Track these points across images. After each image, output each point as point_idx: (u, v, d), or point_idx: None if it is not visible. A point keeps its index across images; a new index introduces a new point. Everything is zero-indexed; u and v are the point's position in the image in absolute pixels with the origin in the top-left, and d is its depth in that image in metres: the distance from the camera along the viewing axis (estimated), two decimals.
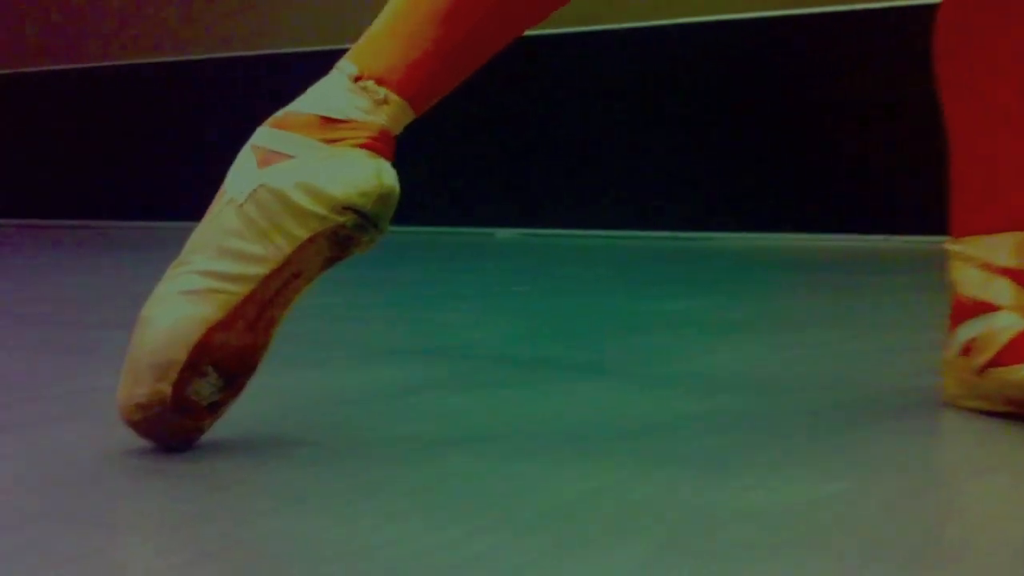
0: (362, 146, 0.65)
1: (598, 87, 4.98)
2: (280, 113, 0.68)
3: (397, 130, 0.68)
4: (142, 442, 0.66)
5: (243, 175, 0.67)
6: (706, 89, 4.33)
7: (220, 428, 0.71)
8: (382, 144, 0.66)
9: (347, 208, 0.63)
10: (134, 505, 0.54)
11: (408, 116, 0.69)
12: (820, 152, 3.81)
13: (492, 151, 5.44)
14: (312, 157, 0.64)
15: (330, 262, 0.65)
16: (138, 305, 1.52)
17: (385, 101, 0.67)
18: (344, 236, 0.64)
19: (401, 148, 5.70)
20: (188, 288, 0.64)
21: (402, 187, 6.05)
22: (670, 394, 0.83)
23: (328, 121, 0.66)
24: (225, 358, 0.64)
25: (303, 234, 0.63)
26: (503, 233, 5.59)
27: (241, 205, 0.65)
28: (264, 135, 0.67)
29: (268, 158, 0.66)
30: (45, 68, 6.23)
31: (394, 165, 0.67)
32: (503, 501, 0.53)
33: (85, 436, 0.69)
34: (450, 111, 5.49)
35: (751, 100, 4.09)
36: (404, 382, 0.88)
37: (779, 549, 0.47)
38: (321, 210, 0.63)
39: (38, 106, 6.33)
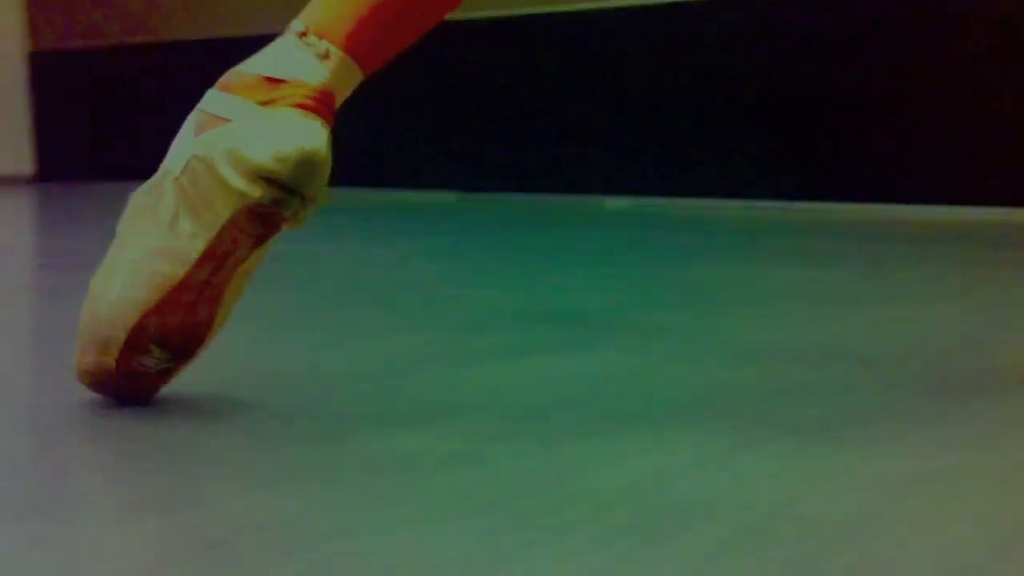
0: (297, 105, 0.62)
1: (702, 58, 4.91)
2: (227, 74, 0.66)
3: (343, 90, 0.65)
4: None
5: (182, 144, 0.65)
6: (811, 60, 4.24)
7: (317, 384, 0.74)
8: (318, 103, 0.63)
9: (264, 178, 0.60)
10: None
11: (354, 74, 0.66)
12: (937, 122, 3.71)
13: (602, 118, 5.42)
14: (245, 120, 0.62)
15: (261, 239, 0.63)
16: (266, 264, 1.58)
17: (327, 55, 0.64)
18: (264, 213, 0.61)
19: (512, 115, 5.72)
20: (128, 267, 0.63)
21: (514, 153, 6.08)
22: (781, 363, 0.84)
23: (270, 81, 0.64)
24: (167, 336, 0.64)
25: (225, 214, 0.61)
26: (613, 202, 5.57)
27: (176, 178, 0.63)
28: (208, 99, 0.66)
29: (206, 123, 0.64)
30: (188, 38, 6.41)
31: (342, 131, 0.68)
32: (604, 467, 0.55)
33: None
34: (560, 76, 5.48)
35: (865, 66, 3.99)
36: (515, 346, 0.90)
37: (894, 520, 0.47)
38: (241, 183, 0.60)
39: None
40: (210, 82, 6.91)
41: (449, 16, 5.78)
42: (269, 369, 0.79)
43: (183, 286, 0.62)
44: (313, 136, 0.60)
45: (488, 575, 0.38)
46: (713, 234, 2.62)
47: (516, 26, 5.73)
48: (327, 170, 0.60)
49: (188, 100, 5.24)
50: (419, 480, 0.50)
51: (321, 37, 0.64)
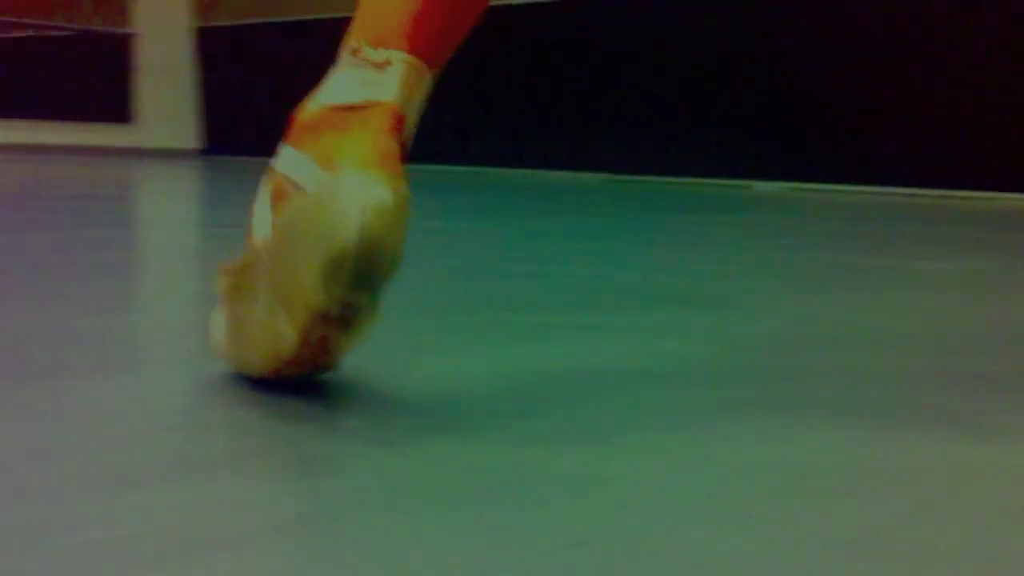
0: (369, 158, 0.54)
1: (870, 38, 4.77)
2: (301, 109, 0.60)
3: (416, 94, 0.60)
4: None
5: (261, 217, 0.60)
6: (985, 45, 4.06)
7: (493, 361, 0.76)
8: (390, 134, 0.56)
9: (323, 287, 0.53)
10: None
11: (423, 74, 0.61)
12: None
13: (755, 103, 5.33)
14: (311, 196, 0.55)
15: (347, 327, 0.56)
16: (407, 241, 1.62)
17: (388, 62, 0.59)
18: (334, 316, 0.54)
19: (663, 99, 5.65)
20: (239, 336, 0.62)
21: (668, 138, 6.02)
22: (919, 353, 0.82)
23: (338, 111, 0.58)
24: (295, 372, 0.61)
25: (303, 314, 0.55)
26: (763, 186, 5.48)
27: (262, 263, 0.59)
28: (282, 155, 0.60)
29: (281, 190, 0.59)
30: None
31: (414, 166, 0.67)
32: (746, 450, 0.56)
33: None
34: (713, 61, 5.42)
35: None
36: (656, 327, 0.91)
37: None
38: (308, 294, 0.54)
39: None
40: None
41: None
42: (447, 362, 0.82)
43: (291, 362, 0.59)
44: (381, 215, 0.52)
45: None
46: (855, 221, 2.56)
47: (677, 8, 5.68)
48: (396, 241, 0.53)
49: None
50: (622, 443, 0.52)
51: (376, 47, 0.60)
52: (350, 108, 0.58)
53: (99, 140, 7.45)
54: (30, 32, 7.04)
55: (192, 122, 7.94)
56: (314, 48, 6.38)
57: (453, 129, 6.67)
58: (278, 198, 0.58)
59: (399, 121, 0.58)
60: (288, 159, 0.58)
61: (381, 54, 0.59)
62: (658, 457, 0.52)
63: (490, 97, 6.48)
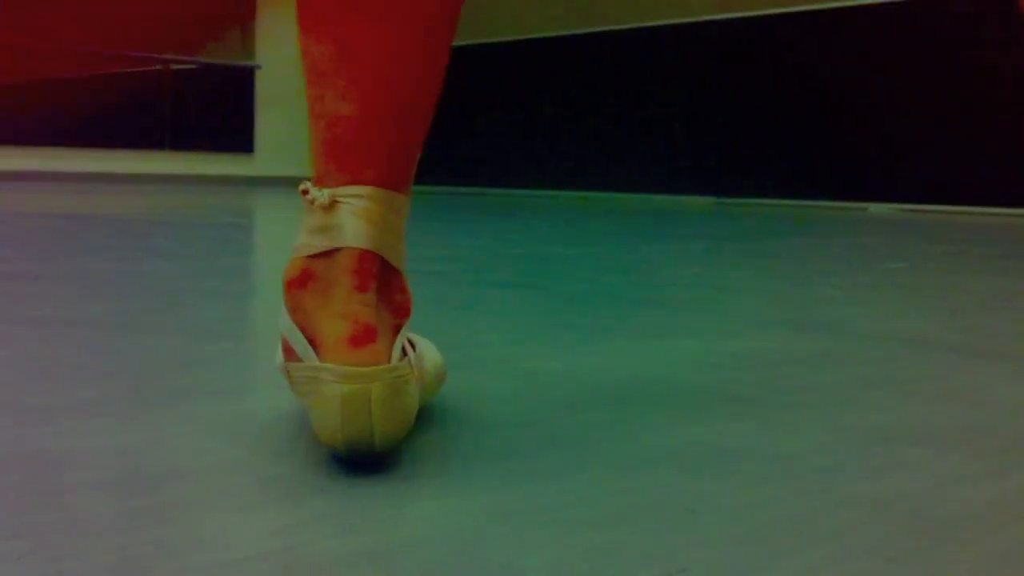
0: (340, 344, 0.52)
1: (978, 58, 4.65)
2: (289, 260, 0.57)
3: (388, 222, 0.55)
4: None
5: (279, 352, 0.61)
6: None
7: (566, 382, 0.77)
8: (360, 302, 0.53)
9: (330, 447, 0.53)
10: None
11: (384, 199, 0.55)
12: None
13: (864, 124, 5.23)
14: (300, 385, 0.54)
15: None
16: (517, 270, 1.63)
17: (334, 202, 0.55)
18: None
19: (770, 122, 5.58)
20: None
21: (769, 161, 5.95)
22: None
23: (309, 264, 0.55)
24: None
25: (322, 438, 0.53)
26: (877, 208, 5.36)
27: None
28: (282, 317, 0.58)
29: (286, 345, 0.58)
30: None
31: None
32: (847, 487, 0.55)
33: (472, 381, 0.78)
34: (825, 85, 5.33)
35: None
36: (771, 355, 0.91)
37: None
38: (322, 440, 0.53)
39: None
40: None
41: (729, 14, 5.73)
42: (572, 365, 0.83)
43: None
44: (356, 423, 0.51)
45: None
46: (975, 243, 2.48)
47: (788, 26, 5.62)
48: (388, 418, 0.51)
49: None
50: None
51: (320, 185, 0.56)
52: (317, 257, 0.55)
53: (223, 170, 7.70)
54: (158, 67, 7.32)
55: (305, 151, 8.14)
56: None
57: (561, 154, 6.72)
58: (287, 353, 0.58)
59: (366, 263, 0.54)
60: (285, 325, 0.57)
61: (324, 195, 0.55)
62: None
63: (590, 126, 6.49)
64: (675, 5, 6.19)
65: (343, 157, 0.55)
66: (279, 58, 7.97)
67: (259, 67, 7.86)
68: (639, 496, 0.49)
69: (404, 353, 0.56)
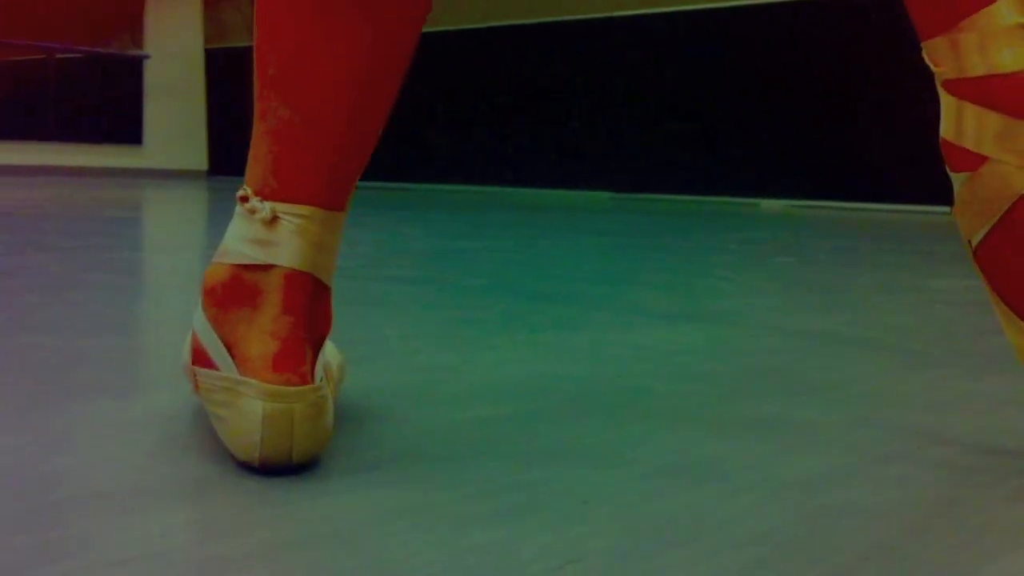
0: (265, 361, 0.52)
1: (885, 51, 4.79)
2: (212, 263, 0.57)
3: (323, 241, 0.55)
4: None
5: (186, 346, 0.59)
6: None
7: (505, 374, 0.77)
8: (287, 324, 0.53)
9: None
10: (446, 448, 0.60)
11: (324, 219, 0.55)
12: None
13: (757, 121, 5.34)
14: (215, 400, 0.54)
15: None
16: (416, 264, 1.63)
17: (276, 218, 0.54)
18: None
19: (666, 119, 5.66)
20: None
21: (664, 157, 6.03)
22: (949, 372, 0.83)
23: (239, 273, 0.54)
24: None
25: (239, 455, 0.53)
26: (768, 204, 5.49)
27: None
28: (198, 318, 0.57)
29: (199, 351, 0.56)
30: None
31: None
32: (741, 475, 0.56)
33: (382, 374, 0.77)
34: (721, 83, 5.43)
35: None
36: (666, 346, 0.92)
37: None
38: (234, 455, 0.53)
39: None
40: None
41: (654, 8, 5.79)
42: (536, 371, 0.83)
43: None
44: (273, 431, 0.50)
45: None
46: (863, 239, 2.56)
47: (690, 21, 5.71)
48: (306, 436, 0.50)
49: None
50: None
51: (263, 197, 0.54)
52: (249, 268, 0.54)
53: (111, 162, 7.50)
54: (43, 56, 7.09)
55: (203, 143, 7.98)
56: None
57: (477, 148, 6.71)
58: (198, 356, 0.56)
59: (300, 283, 0.54)
60: (202, 328, 0.56)
61: (267, 209, 0.54)
62: None
63: (504, 119, 6.51)
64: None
65: (289, 174, 0.54)
66: (168, 48, 7.79)
67: (148, 57, 7.66)
68: (534, 490, 0.50)
69: (324, 371, 0.55)
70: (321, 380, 0.53)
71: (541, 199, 5.37)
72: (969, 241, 0.57)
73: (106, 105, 7.50)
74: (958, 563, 0.42)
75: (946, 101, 0.56)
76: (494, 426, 0.62)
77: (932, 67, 0.56)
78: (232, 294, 0.55)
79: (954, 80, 0.55)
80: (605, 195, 6.10)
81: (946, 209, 4.49)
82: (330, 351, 0.64)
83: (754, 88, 5.37)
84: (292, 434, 0.51)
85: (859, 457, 0.57)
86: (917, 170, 4.65)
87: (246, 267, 0.54)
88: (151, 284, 1.27)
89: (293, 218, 0.54)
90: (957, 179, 0.56)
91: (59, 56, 7.22)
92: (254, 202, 0.54)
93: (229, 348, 0.54)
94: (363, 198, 4.57)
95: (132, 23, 7.59)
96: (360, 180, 7.15)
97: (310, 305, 0.55)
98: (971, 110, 0.54)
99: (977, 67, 0.54)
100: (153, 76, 7.73)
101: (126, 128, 7.61)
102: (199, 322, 0.57)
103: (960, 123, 0.55)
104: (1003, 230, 0.55)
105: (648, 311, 1.14)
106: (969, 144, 0.55)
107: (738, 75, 5.45)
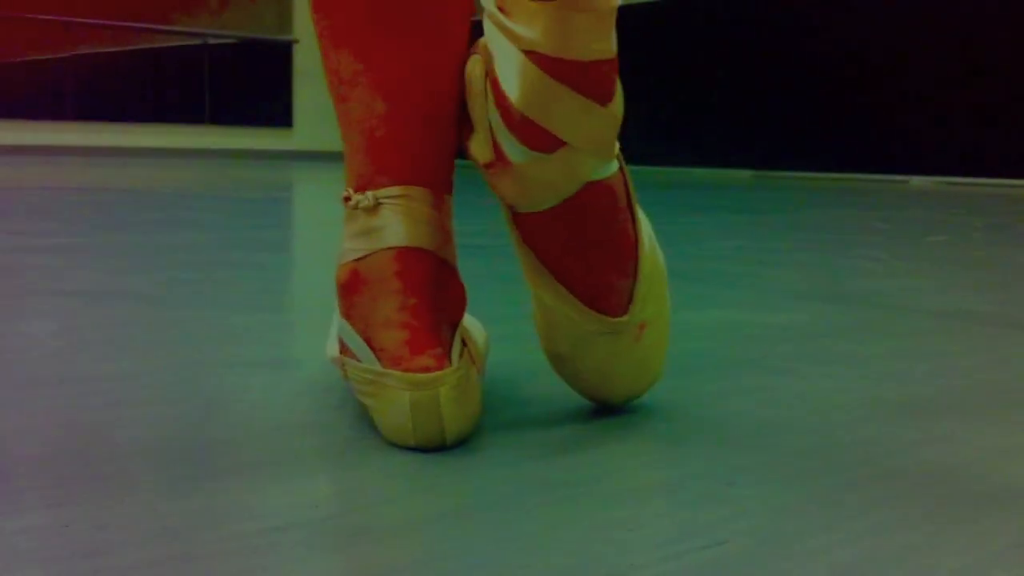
0: (398, 346, 0.53)
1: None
2: (338, 266, 0.58)
3: (432, 221, 0.55)
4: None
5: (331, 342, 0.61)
6: None
7: None
8: (405, 307, 0.53)
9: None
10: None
11: (427, 197, 0.55)
12: None
13: (906, 98, 5.15)
14: (363, 389, 0.54)
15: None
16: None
17: (378, 204, 0.55)
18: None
19: (802, 94, 5.52)
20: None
21: (819, 131, 5.93)
22: None
23: (356, 277, 0.55)
24: None
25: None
26: (918, 180, 5.29)
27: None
28: (336, 321, 0.58)
29: (343, 346, 0.58)
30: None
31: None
32: (887, 460, 0.55)
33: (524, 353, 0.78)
34: (871, 58, 5.26)
35: None
36: (808, 327, 0.90)
37: None
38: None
39: None
40: None
41: None
42: None
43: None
44: (425, 429, 0.51)
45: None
46: (1018, 216, 2.45)
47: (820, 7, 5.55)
48: (456, 417, 0.51)
49: None
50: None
51: (361, 189, 0.56)
52: (364, 260, 0.55)
53: (263, 144, 7.74)
54: (197, 42, 7.36)
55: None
56: None
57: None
58: (343, 348, 0.58)
59: (415, 261, 0.54)
60: (340, 326, 0.57)
61: (369, 197, 0.55)
62: None
63: (648, 95, 6.45)
64: None
65: (383, 159, 0.56)
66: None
67: (296, 41, 7.87)
68: (678, 470, 0.49)
69: (464, 345, 0.56)
70: (462, 360, 0.53)
71: (681, 177, 5.31)
72: None
73: (257, 89, 7.74)
74: None
75: None
76: (635, 405, 0.62)
77: None
78: (355, 290, 0.56)
79: None
80: (746, 173, 5.99)
81: None
82: (474, 328, 0.65)
83: (902, 62, 5.19)
84: (441, 417, 0.51)
85: (1018, 440, 0.55)
86: None
87: (361, 260, 0.56)
88: (299, 262, 1.31)
89: (393, 200, 0.55)
90: None
91: (212, 42, 7.48)
92: (356, 197, 0.56)
93: (367, 342, 0.55)
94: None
95: (281, 9, 7.80)
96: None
97: (431, 283, 0.55)
98: None
99: None
100: (301, 59, 7.94)
101: (276, 111, 7.84)
102: (337, 320, 0.58)
103: None
104: None
105: (790, 290, 1.12)
106: None
107: (880, 53, 5.28)
